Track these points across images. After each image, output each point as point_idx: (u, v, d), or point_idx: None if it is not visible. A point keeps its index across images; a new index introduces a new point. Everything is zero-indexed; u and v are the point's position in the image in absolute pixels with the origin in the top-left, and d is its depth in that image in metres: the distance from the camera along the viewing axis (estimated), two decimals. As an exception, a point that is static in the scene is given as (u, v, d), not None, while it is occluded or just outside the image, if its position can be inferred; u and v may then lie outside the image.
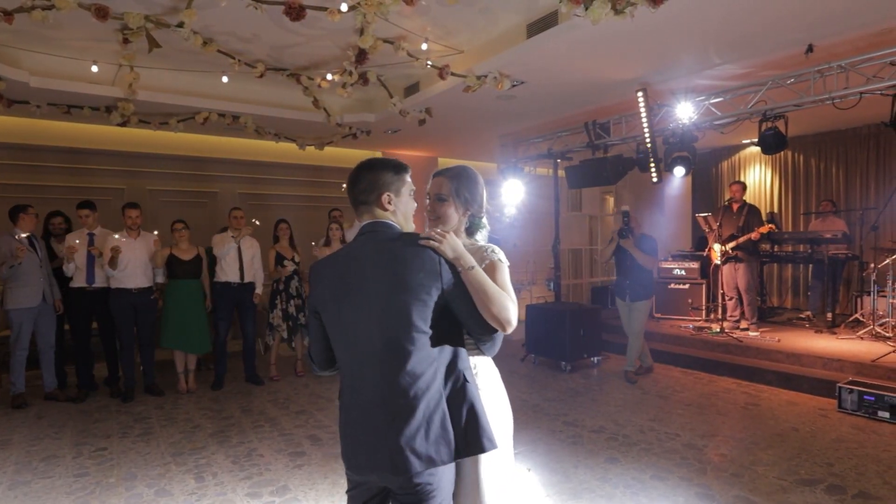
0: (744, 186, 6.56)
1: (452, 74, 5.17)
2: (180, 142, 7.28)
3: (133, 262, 5.00)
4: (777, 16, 3.88)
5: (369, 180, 1.70)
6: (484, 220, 1.91)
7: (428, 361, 1.56)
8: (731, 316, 6.54)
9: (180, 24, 4.40)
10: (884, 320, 5.76)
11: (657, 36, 4.26)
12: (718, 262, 6.40)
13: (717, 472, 3.41)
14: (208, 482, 3.35)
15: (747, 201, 6.56)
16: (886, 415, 4.17)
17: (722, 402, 4.79)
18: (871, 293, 6.17)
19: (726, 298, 6.58)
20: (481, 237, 1.89)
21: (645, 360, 5.64)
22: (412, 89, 6.31)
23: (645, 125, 5.34)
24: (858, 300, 6.65)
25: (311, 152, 7.79)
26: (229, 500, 3.13)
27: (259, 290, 5.63)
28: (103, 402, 4.98)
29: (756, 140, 4.73)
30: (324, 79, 5.54)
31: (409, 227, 1.75)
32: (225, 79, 5.46)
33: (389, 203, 1.69)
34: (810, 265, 7.32)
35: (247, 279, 5.50)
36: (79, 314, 5.09)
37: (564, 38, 4.43)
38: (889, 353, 4.96)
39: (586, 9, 3.24)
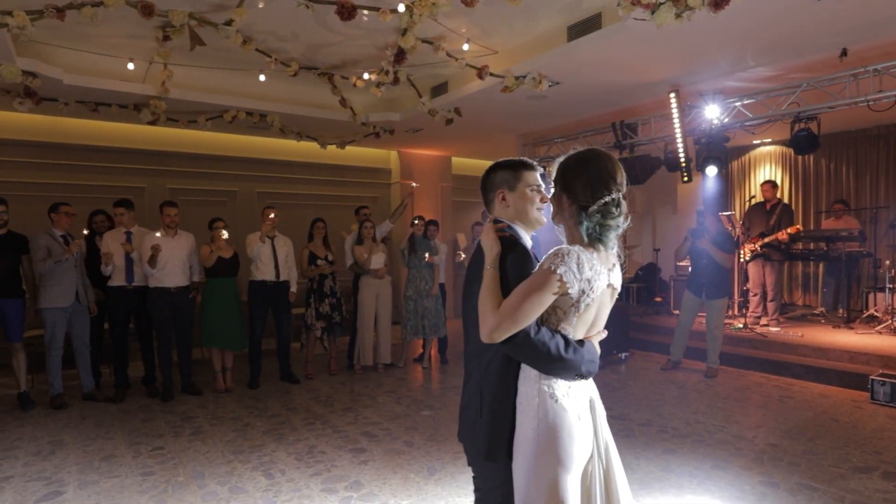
0: (775, 185, 6.74)
1: (491, 75, 5.23)
2: (199, 140, 7.25)
3: (172, 261, 4.97)
4: (814, 21, 4.01)
5: (489, 180, 1.79)
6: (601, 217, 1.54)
7: (477, 350, 1.66)
8: (752, 312, 6.71)
9: (228, 22, 4.40)
10: (901, 315, 5.96)
11: (697, 38, 4.38)
12: (746, 259, 6.56)
13: (774, 461, 3.52)
14: (278, 479, 3.37)
15: (782, 200, 6.72)
16: (920, 405, 4.34)
17: (757, 396, 4.93)
18: (886, 290, 6.39)
19: (751, 295, 6.75)
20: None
21: (676, 355, 5.77)
22: (440, 89, 6.36)
23: (677, 126, 5.46)
24: (870, 296, 6.87)
25: (329, 151, 7.79)
26: (306, 496, 3.15)
27: (294, 288, 5.63)
28: (143, 402, 4.95)
29: (770, 140, 4.94)
30: (360, 78, 5.57)
31: (527, 220, 1.75)
32: (262, 77, 5.46)
33: (503, 199, 1.74)
34: (822, 263, 7.53)
35: (282, 277, 5.50)
36: (118, 313, 5.03)
37: (606, 42, 4.52)
38: (915, 346, 5.15)
39: (653, 13, 3.32)
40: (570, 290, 1.46)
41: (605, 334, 1.66)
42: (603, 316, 1.64)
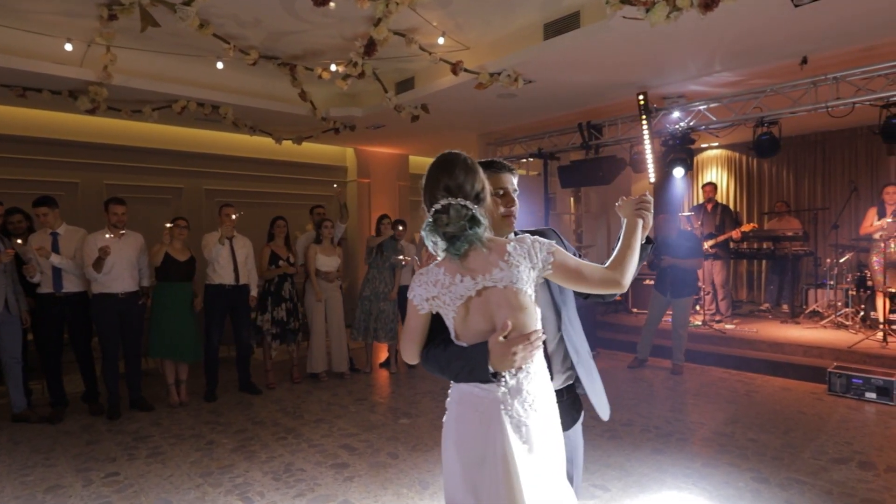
0: (715, 187, 7.01)
1: (465, 71, 5.09)
2: (141, 132, 6.68)
3: (119, 264, 4.50)
4: (781, 29, 4.14)
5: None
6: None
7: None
8: (707, 309, 6.95)
9: (188, 2, 4.02)
10: (843, 310, 6.35)
11: (673, 41, 4.42)
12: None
13: (758, 456, 3.60)
14: (258, 503, 3.08)
15: (719, 201, 7.00)
16: (873, 395, 4.60)
17: (724, 391, 5.07)
18: (826, 286, 6.81)
19: (703, 293, 6.99)
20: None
21: (643, 353, 5.87)
22: (406, 84, 6.16)
23: (645, 127, 5.55)
24: (809, 292, 7.30)
25: (283, 147, 7.40)
26: (293, 519, 2.89)
27: (254, 292, 5.26)
28: (85, 421, 4.45)
29: (717, 144, 5.10)
30: (326, 69, 5.28)
31: (494, 226, 1.74)
32: (220, 65, 5.05)
33: None
34: (765, 261, 7.94)
35: (242, 281, 5.12)
36: (47, 323, 4.50)
37: (584, 42, 4.49)
38: (862, 340, 5.48)
39: (647, 11, 3.30)
40: (420, 311, 1.58)
41: (506, 330, 1.47)
42: (481, 319, 1.52)
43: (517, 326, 1.49)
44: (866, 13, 3.79)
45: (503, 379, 1.50)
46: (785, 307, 7.33)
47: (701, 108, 5.45)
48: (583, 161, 6.40)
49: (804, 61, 4.72)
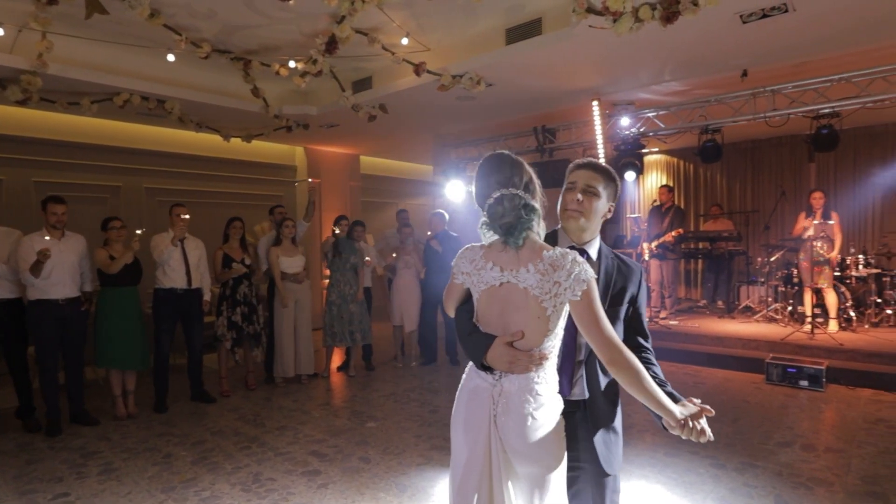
0: (669, 189, 7.38)
1: (428, 72, 5.09)
2: (75, 126, 6.23)
3: (60, 268, 4.17)
4: (726, 43, 4.42)
5: None
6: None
7: None
8: (653, 306, 7.31)
9: (140, -10, 3.79)
10: (773, 305, 6.86)
11: (628, 51, 4.62)
12: (647, 258, 7.11)
13: (714, 444, 3.79)
14: (230, 515, 2.96)
15: (674, 203, 7.38)
16: (806, 383, 5.01)
17: (674, 384, 5.25)
18: (758, 283, 7.33)
19: (650, 291, 7.34)
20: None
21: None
22: (363, 84, 6.09)
23: (598, 132, 5.76)
24: (741, 289, 7.83)
25: (229, 145, 7.13)
26: (270, 531, 2.80)
27: (207, 296, 5.03)
28: (22, 440, 4.09)
29: (657, 150, 5.39)
30: (284, 66, 5.14)
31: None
32: (171, 57, 4.80)
33: None
34: (702, 260, 8.43)
35: (194, 284, 4.88)
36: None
37: (545, 48, 4.60)
38: (792, 332, 5.94)
39: (615, 21, 3.44)
40: (456, 280, 1.68)
41: (516, 338, 1.53)
42: (500, 312, 1.57)
43: (528, 335, 1.52)
44: (802, 31, 4.12)
45: (496, 374, 1.56)
46: (720, 303, 7.82)
47: (650, 115, 5.72)
48: (538, 164, 6.55)
49: (744, 74, 5.07)
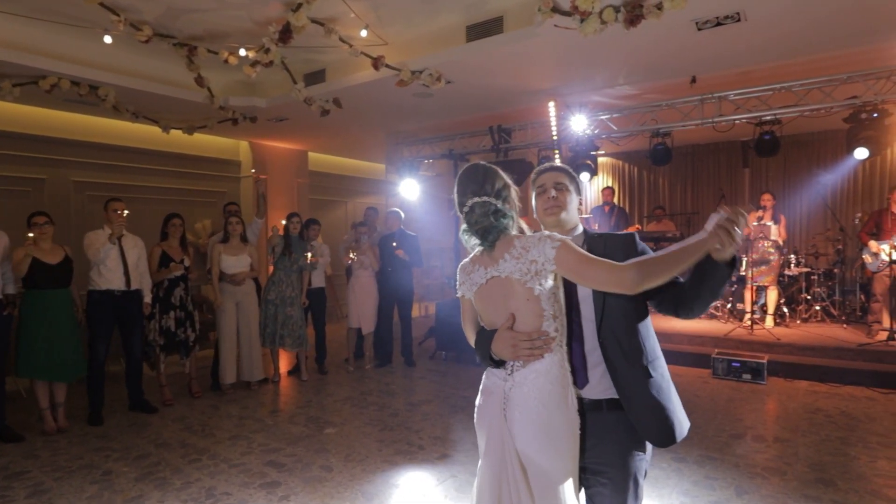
0: (613, 191, 7.58)
1: (387, 66, 4.96)
2: (-8, 112, 5.64)
3: (-24, 269, 3.75)
4: (679, 49, 4.57)
5: None
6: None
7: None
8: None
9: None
10: (714, 303, 7.18)
11: (587, 53, 4.69)
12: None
13: (671, 438, 3.92)
14: (184, 535, 2.73)
15: (616, 204, 7.58)
16: (749, 376, 5.26)
17: (627, 380, 5.47)
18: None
19: (600, 291, 7.51)
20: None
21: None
22: (316, 77, 5.88)
23: (554, 133, 5.82)
24: (683, 287, 8.17)
25: (169, 137, 6.71)
26: (230, 550, 2.60)
27: (148, 298, 4.67)
28: (-69, 461, 3.64)
29: (604, 152, 5.52)
30: (234, 54, 4.85)
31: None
32: (108, 39, 4.42)
33: None
34: (646, 260, 8.73)
35: (133, 286, 4.52)
36: None
37: (506, 47, 4.59)
38: (734, 328, 6.24)
39: (582, 21, 3.45)
40: (458, 294, 1.79)
41: (510, 322, 1.62)
42: (496, 307, 1.66)
43: (519, 318, 1.60)
44: (751, 40, 4.32)
45: (509, 367, 1.62)
46: (664, 301, 8.11)
47: (604, 117, 5.85)
48: (494, 163, 6.54)
49: (693, 80, 5.26)
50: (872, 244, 5.72)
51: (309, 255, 5.53)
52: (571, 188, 1.82)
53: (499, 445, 1.58)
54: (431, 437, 4.03)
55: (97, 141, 6.55)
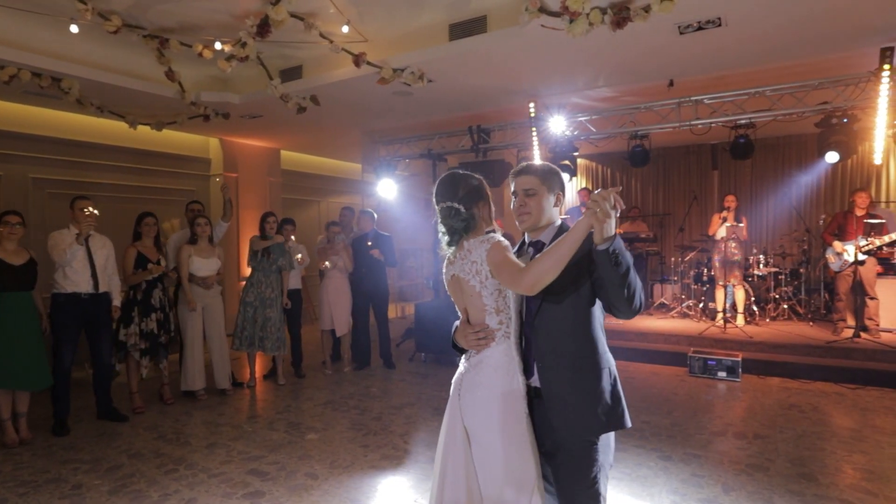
0: (589, 192, 7.65)
1: (368, 64, 4.87)
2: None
3: (-70, 271, 3.49)
4: (660, 52, 4.64)
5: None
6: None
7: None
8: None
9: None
10: (686, 302, 7.35)
11: (569, 54, 4.70)
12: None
13: (656, 436, 3.97)
14: (165, 551, 2.59)
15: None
16: (724, 374, 5.38)
17: (607, 379, 5.52)
18: (671, 282, 7.82)
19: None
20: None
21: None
22: (292, 73, 5.74)
23: (535, 133, 5.83)
24: (655, 287, 8.33)
25: (135, 134, 6.44)
26: (216, 565, 2.48)
27: (117, 301, 4.46)
28: None
29: (578, 153, 5.54)
30: (209, 47, 4.68)
31: None
32: (74, 29, 4.19)
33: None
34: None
35: (101, 288, 4.30)
36: None
37: (489, 46, 4.57)
38: (708, 327, 6.38)
39: (571, 21, 3.45)
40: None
41: (462, 316, 1.90)
42: (464, 302, 1.86)
43: (470, 312, 1.85)
44: (730, 45, 4.41)
45: (468, 354, 1.86)
46: (637, 301, 8.25)
47: (583, 119, 5.89)
48: (473, 163, 6.53)
49: (671, 84, 5.35)
50: (837, 244, 5.94)
51: (299, 256, 5.40)
52: (542, 189, 1.86)
53: (451, 420, 1.82)
54: (417, 440, 3.97)
55: (58, 136, 6.23)
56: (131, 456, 3.71)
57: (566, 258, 1.56)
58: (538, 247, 1.87)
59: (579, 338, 1.77)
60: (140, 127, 6.29)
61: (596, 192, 1.54)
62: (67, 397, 4.20)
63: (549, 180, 1.87)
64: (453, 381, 1.88)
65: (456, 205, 1.82)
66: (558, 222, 1.90)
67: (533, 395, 1.82)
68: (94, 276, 4.25)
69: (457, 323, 1.92)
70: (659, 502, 3.03)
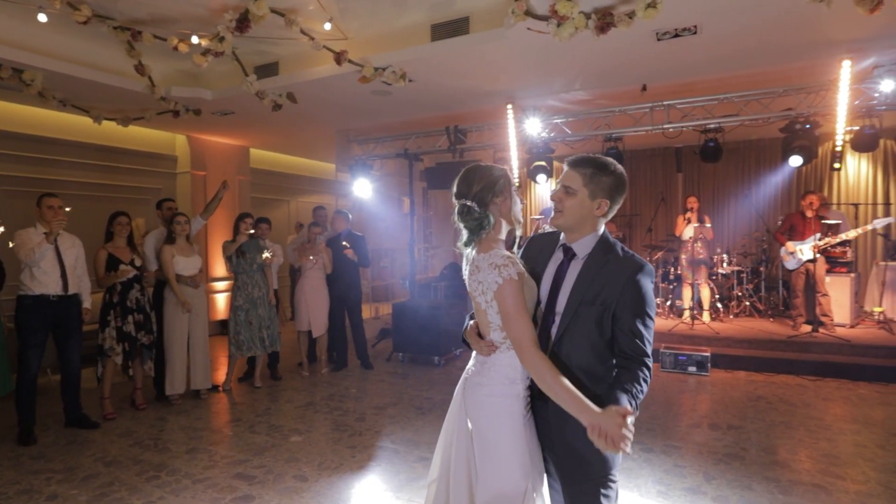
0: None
1: (349, 62, 4.83)
2: None
3: None
4: (637, 57, 4.79)
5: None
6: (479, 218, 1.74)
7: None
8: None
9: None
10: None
11: (550, 57, 4.80)
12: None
13: (637, 429, 4.01)
14: (156, 559, 2.51)
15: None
16: (694, 369, 5.59)
17: (583, 376, 5.65)
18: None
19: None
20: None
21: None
22: (268, 70, 5.63)
23: (512, 135, 5.91)
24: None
25: (99, 129, 6.21)
26: (212, 571, 2.42)
27: (87, 303, 4.28)
28: None
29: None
30: (185, 41, 4.55)
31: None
32: (43, 17, 4.01)
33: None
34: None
35: (71, 290, 4.12)
36: None
37: (471, 48, 4.61)
38: (677, 324, 6.60)
39: (558, 25, 3.52)
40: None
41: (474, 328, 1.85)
42: (476, 306, 1.76)
43: (478, 320, 1.78)
44: (703, 53, 4.59)
45: (475, 353, 1.80)
46: (606, 299, 8.46)
47: (559, 121, 6.01)
48: (450, 163, 6.57)
49: (644, 88, 5.52)
50: (789, 244, 6.25)
51: (267, 254, 5.31)
52: (584, 191, 1.66)
53: (456, 415, 1.79)
54: (404, 439, 3.96)
55: (17, 131, 5.94)
56: (107, 464, 3.57)
57: (559, 400, 1.52)
58: (569, 254, 1.72)
59: (596, 370, 1.70)
60: (105, 122, 6.05)
61: (625, 432, 1.42)
62: (33, 404, 4.00)
63: (596, 183, 1.66)
64: (462, 375, 1.84)
65: (469, 202, 1.68)
66: (600, 231, 1.72)
67: (536, 396, 1.71)
68: (63, 276, 4.07)
69: (469, 322, 1.84)
70: (646, 492, 3.13)
